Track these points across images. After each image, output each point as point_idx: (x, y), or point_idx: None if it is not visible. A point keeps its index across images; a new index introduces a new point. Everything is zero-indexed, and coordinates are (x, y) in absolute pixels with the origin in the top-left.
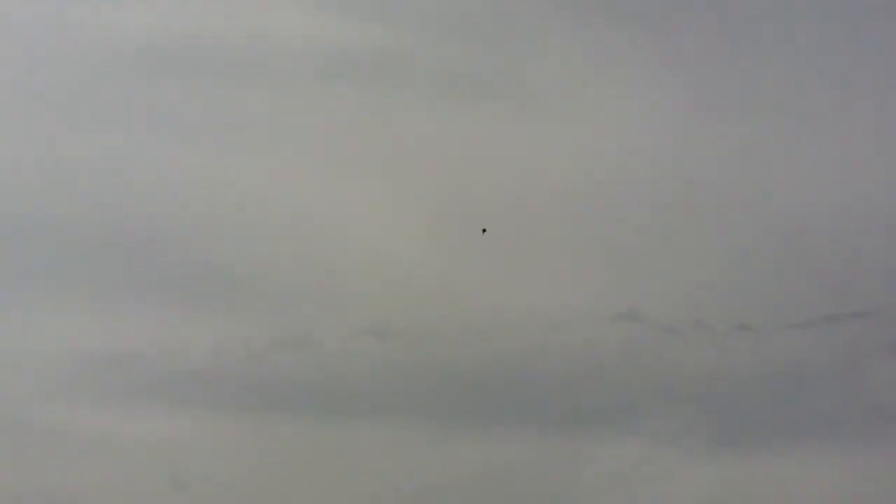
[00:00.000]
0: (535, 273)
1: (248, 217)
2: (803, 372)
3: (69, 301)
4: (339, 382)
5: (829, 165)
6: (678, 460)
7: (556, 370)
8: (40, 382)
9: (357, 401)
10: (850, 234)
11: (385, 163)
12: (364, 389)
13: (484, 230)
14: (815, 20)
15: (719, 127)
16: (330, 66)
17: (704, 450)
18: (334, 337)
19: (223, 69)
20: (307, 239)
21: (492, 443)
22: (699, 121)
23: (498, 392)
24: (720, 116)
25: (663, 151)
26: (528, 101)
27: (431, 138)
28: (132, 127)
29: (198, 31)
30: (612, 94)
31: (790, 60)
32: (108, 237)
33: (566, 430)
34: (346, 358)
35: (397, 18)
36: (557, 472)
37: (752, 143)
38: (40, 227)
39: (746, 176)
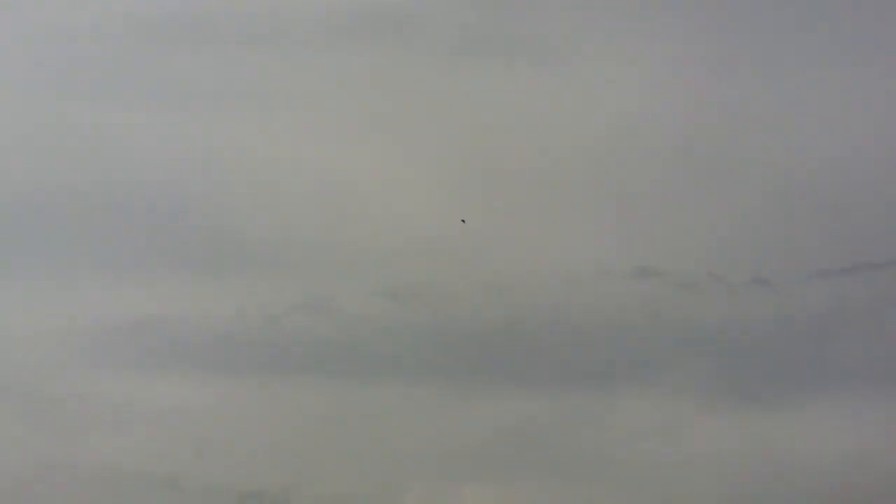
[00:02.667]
0: (549, 231)
1: (264, 181)
2: (821, 324)
3: (90, 270)
4: (358, 344)
5: (846, 112)
6: (696, 414)
7: (572, 327)
8: (62, 351)
9: (377, 362)
10: (867, 182)
11: (399, 123)
12: (384, 351)
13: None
14: None
15: (732, 78)
16: (343, 26)
17: (723, 403)
18: (352, 299)
19: (235, 33)
20: (323, 202)
21: (510, 400)
22: (712, 73)
23: (515, 350)
24: (733, 68)
25: (677, 105)
26: (542, 58)
27: (445, 97)
28: (148, 96)
29: None
30: (627, 49)
31: (801, 10)
32: (127, 206)
33: (584, 387)
34: (364, 320)
35: None
36: (576, 429)
37: (766, 92)
38: (61, 197)
39: (761, 126)
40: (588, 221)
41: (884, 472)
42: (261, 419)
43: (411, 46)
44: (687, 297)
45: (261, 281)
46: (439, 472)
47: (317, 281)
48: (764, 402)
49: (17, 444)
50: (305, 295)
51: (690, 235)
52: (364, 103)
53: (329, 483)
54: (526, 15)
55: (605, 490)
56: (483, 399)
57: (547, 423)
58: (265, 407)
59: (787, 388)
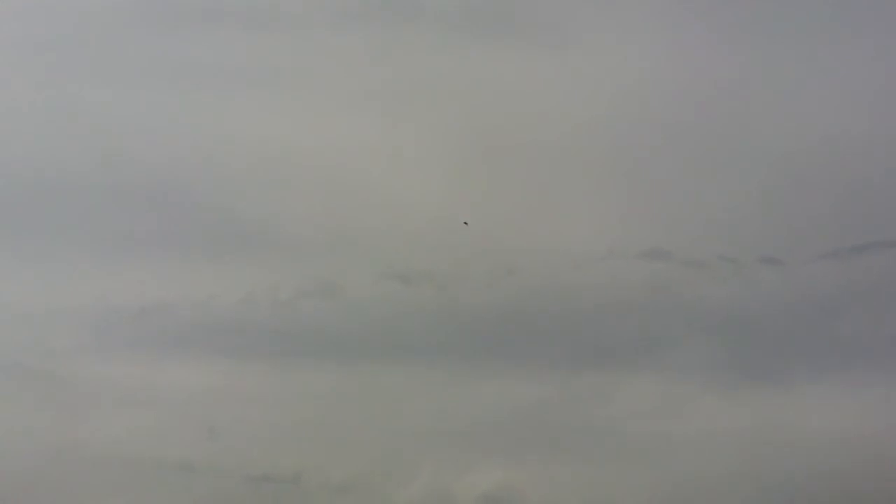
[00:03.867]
0: (558, 213)
1: (274, 167)
2: (829, 304)
3: (98, 255)
4: (366, 328)
5: (854, 91)
6: (705, 395)
7: (581, 309)
8: (71, 336)
9: (384, 345)
10: (877, 162)
11: (407, 106)
12: (391, 334)
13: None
14: None
15: (742, 57)
16: (345, 6)
17: (731, 383)
18: (359, 283)
19: (237, 14)
20: (330, 185)
21: (518, 382)
22: (721, 52)
23: (523, 332)
24: (741, 46)
25: (686, 85)
26: (548, 37)
27: (450, 78)
28: (155, 79)
29: None
30: (634, 27)
31: None
32: (135, 190)
33: (592, 368)
34: (371, 303)
35: None
36: (584, 409)
37: (774, 72)
38: (69, 182)
39: (769, 106)
40: (597, 203)
41: (889, 451)
42: (270, 402)
43: (418, 27)
44: (696, 278)
45: (270, 265)
46: (448, 452)
47: (325, 265)
48: (772, 382)
49: (27, 426)
50: (314, 279)
51: (699, 216)
52: (372, 87)
53: (338, 465)
54: None
55: (613, 468)
56: (492, 380)
57: (556, 402)
58: (275, 390)
59: (795, 367)
